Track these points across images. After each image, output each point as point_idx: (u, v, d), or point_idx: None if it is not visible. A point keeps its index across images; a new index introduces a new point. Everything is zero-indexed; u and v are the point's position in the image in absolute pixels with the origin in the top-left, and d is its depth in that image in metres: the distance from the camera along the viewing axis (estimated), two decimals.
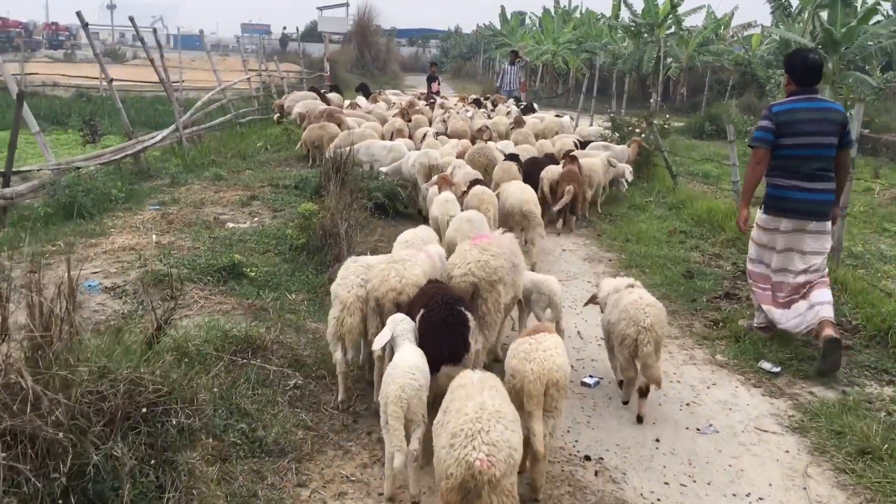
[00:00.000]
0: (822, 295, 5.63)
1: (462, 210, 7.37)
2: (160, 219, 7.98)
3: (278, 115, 16.81)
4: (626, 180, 11.31)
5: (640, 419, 4.74)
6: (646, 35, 33.71)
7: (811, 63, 5.70)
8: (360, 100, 19.73)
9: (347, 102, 18.28)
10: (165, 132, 12.98)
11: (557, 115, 15.97)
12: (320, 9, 57.64)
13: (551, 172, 9.96)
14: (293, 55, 42.36)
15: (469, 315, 4.20)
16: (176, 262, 6.23)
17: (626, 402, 4.93)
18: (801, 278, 5.74)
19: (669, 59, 32.73)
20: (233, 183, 10.70)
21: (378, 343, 4.11)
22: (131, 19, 13.63)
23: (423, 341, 4.09)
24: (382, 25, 56.23)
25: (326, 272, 6.57)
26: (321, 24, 55.35)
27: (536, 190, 9.83)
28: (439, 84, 23.79)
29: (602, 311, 5.28)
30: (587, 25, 40.95)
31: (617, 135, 13.75)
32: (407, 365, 3.74)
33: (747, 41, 35.13)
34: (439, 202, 7.45)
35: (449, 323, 4.09)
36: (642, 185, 12.72)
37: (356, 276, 4.74)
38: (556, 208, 9.52)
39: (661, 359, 4.72)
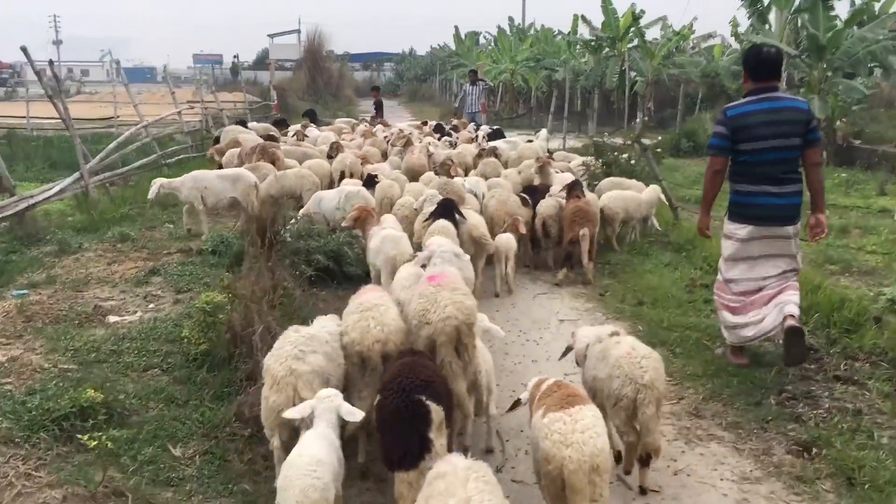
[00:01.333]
0: (790, 295, 5.33)
1: None
2: (16, 314, 5.81)
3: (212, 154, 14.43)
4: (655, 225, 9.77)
5: (643, 491, 4.03)
6: (607, 49, 32.28)
7: (764, 56, 5.30)
8: (311, 130, 17.45)
9: (291, 132, 16.09)
10: (66, 182, 10.74)
11: (529, 140, 13.98)
12: (271, 36, 56.15)
13: (546, 207, 8.48)
14: (246, 84, 40.18)
15: (432, 406, 3.45)
16: None
17: (627, 473, 4.09)
18: (773, 285, 5.41)
19: (633, 74, 31.26)
20: (140, 246, 8.55)
21: (292, 413, 3.49)
22: (23, 50, 11.40)
23: (378, 434, 3.57)
24: (335, 50, 54.68)
25: (234, 400, 4.47)
26: (273, 51, 53.86)
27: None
28: (379, 110, 22.14)
29: (579, 365, 4.52)
30: (544, 42, 39.50)
31: (600, 161, 11.76)
32: (307, 460, 3.13)
33: (709, 52, 33.93)
34: (391, 241, 6.45)
35: (403, 417, 3.40)
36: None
37: (294, 345, 3.89)
38: (586, 263, 8.04)
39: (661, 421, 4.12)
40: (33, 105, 28.92)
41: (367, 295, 4.50)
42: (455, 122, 18.56)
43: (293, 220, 7.98)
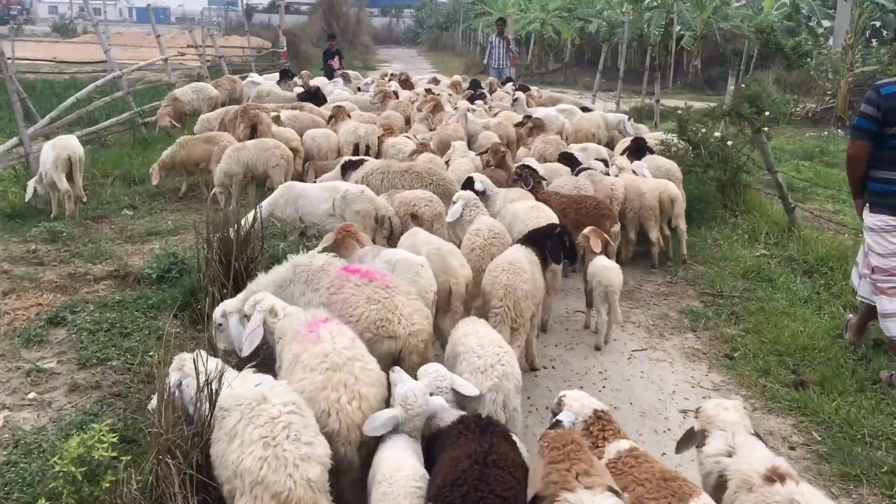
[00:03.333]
0: None
1: None
2: None
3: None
4: None
5: None
6: None
7: None
8: (321, 81, 14.62)
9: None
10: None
11: (586, 109, 11.27)
12: None
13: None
14: (260, 28, 37.40)
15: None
16: None
17: None
18: None
19: (679, 27, 28.26)
20: (69, 254, 6.17)
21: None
22: None
23: None
24: None
25: None
26: None
27: None
28: (341, 60, 18.70)
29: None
30: None
31: (682, 142, 9.03)
32: (409, 474, 2.74)
33: (757, 5, 30.81)
34: (408, 269, 4.27)
35: None
36: (735, 222, 8.28)
37: (290, 435, 2.68)
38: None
39: None
40: (30, 45, 26.49)
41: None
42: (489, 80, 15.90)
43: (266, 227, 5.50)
